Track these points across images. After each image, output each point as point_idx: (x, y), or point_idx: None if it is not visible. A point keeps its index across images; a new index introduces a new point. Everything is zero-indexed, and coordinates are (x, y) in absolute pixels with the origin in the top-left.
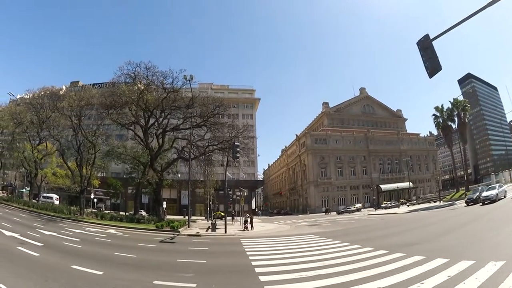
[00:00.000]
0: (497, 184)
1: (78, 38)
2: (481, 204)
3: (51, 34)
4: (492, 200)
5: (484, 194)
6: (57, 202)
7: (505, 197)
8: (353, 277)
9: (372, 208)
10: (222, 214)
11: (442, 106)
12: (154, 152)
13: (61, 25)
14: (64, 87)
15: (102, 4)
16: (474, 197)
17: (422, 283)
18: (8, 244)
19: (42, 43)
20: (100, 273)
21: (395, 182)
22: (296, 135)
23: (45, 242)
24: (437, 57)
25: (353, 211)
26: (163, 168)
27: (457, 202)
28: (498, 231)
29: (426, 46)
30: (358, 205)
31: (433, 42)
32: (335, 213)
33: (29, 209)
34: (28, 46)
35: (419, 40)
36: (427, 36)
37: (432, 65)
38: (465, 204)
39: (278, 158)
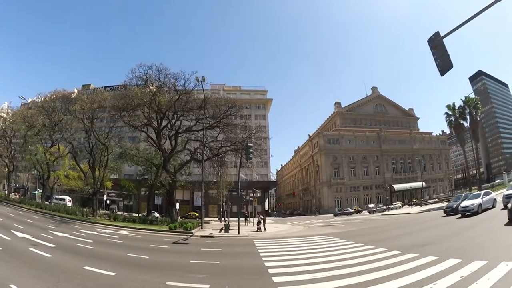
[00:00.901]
0: (483, 191)
1: (88, 42)
2: (459, 216)
3: (60, 38)
4: (473, 212)
5: (464, 204)
6: (69, 204)
7: (493, 207)
8: (367, 277)
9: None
10: (196, 214)
11: (453, 104)
12: (167, 154)
13: (70, 29)
14: (76, 90)
15: (111, 6)
16: (454, 206)
17: (435, 284)
18: (21, 245)
19: (53, 47)
20: (113, 274)
21: (408, 182)
22: (309, 135)
23: (57, 243)
24: (448, 55)
25: (351, 213)
26: (176, 169)
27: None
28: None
29: (437, 44)
30: (356, 207)
31: (444, 40)
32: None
33: (42, 210)
34: (39, 50)
35: (429, 38)
36: (437, 33)
37: (444, 63)
38: (444, 214)
39: (291, 159)
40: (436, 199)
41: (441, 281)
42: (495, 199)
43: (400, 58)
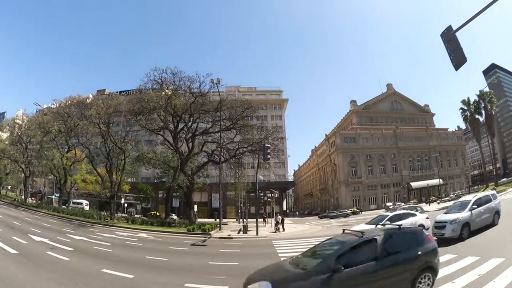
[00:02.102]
0: (474, 197)
1: (102, 48)
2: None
3: (73, 44)
4: (449, 239)
5: (439, 219)
6: (87, 208)
7: (494, 224)
8: None
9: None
10: (157, 213)
11: (468, 99)
12: (184, 156)
13: (83, 36)
14: (91, 96)
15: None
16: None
17: (453, 282)
18: (38, 249)
19: (67, 53)
20: (131, 276)
21: (425, 179)
22: (326, 134)
23: (75, 246)
24: (462, 49)
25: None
26: (194, 171)
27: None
28: None
29: (449, 38)
30: (352, 209)
31: (457, 33)
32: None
33: (59, 214)
34: (53, 57)
35: (442, 32)
36: (449, 27)
37: (457, 57)
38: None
39: (308, 159)
40: (454, 196)
41: (459, 280)
42: (497, 211)
43: (414, 54)
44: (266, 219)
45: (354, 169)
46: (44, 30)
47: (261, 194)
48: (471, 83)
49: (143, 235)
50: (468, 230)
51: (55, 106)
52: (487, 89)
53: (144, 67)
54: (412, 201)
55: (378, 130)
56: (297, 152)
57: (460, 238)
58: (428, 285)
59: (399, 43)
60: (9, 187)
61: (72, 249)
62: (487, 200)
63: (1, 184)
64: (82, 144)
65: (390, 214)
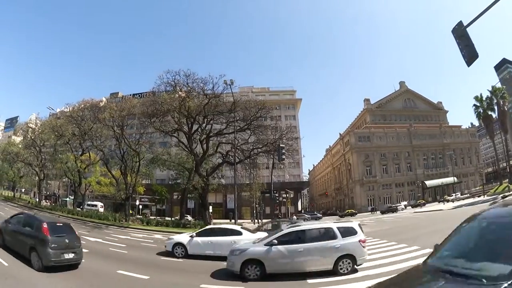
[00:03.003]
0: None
1: (114, 51)
2: None
3: (85, 48)
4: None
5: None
6: (101, 210)
7: None
8: None
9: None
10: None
11: (481, 95)
12: (198, 158)
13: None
14: (104, 99)
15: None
16: None
17: None
18: None
19: (79, 57)
20: (146, 277)
21: (439, 178)
22: (340, 134)
23: (90, 248)
24: (473, 44)
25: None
26: (209, 173)
27: (499, 196)
28: None
29: (461, 34)
30: (349, 210)
31: (468, 29)
32: (379, 212)
33: (73, 216)
34: (65, 61)
35: (453, 28)
36: (460, 23)
37: (469, 53)
38: None
39: (322, 158)
40: (468, 195)
41: None
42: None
43: (426, 50)
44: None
45: (369, 168)
46: (55, 36)
47: (276, 195)
48: (484, 78)
49: (158, 236)
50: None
51: (68, 110)
52: (499, 85)
53: (157, 69)
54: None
55: (392, 128)
56: (312, 152)
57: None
58: None
59: (411, 40)
60: (23, 190)
61: (87, 250)
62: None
63: (15, 187)
64: (96, 147)
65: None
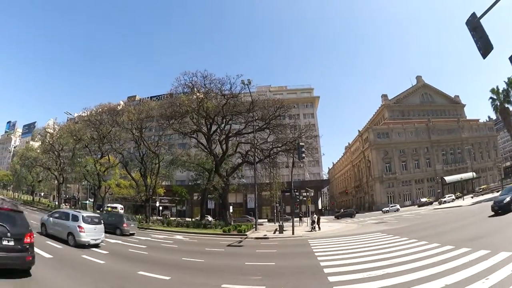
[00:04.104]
0: None
1: (130, 54)
2: None
3: (99, 53)
4: None
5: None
6: (122, 212)
7: None
8: (420, 274)
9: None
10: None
11: (497, 87)
12: (218, 158)
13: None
14: (121, 103)
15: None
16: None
17: (487, 279)
18: (72, 253)
19: (94, 62)
20: (167, 278)
21: (458, 173)
22: (359, 130)
23: (110, 249)
24: (487, 36)
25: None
26: (228, 173)
27: None
28: None
29: (474, 26)
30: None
31: (481, 20)
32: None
33: None
34: (81, 66)
35: (467, 20)
36: (474, 14)
37: (484, 45)
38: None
39: (342, 156)
40: (487, 190)
41: (493, 276)
42: None
43: (441, 43)
44: (302, 218)
45: (388, 165)
46: (69, 41)
47: (297, 193)
48: (500, 70)
49: (179, 237)
50: None
51: (86, 114)
52: None
53: (173, 72)
54: (449, 195)
55: (410, 123)
56: (331, 150)
57: None
58: None
59: (426, 33)
60: (42, 194)
61: (108, 252)
62: None
63: (34, 191)
64: (116, 150)
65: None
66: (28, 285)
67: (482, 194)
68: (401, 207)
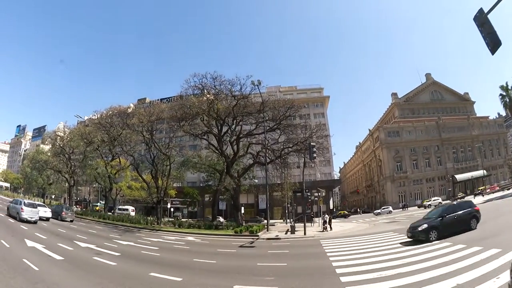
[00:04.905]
0: None
1: (141, 57)
2: None
3: (109, 56)
4: None
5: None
6: (133, 214)
7: None
8: (432, 274)
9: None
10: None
11: (506, 84)
12: (229, 159)
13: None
14: (131, 105)
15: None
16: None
17: (498, 278)
18: (84, 255)
19: (103, 66)
20: (179, 279)
21: (469, 171)
22: (369, 130)
23: (122, 251)
24: (495, 32)
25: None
26: (240, 174)
27: None
28: None
29: (482, 21)
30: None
31: (489, 16)
32: (414, 207)
33: (105, 221)
34: (93, 69)
35: (475, 16)
36: (481, 10)
37: (492, 41)
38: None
39: (353, 156)
40: (498, 188)
41: (504, 275)
42: None
43: (449, 39)
44: (313, 218)
45: (399, 163)
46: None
47: (308, 194)
48: (510, 66)
49: (190, 238)
50: None
51: (96, 117)
52: None
53: (183, 74)
54: (460, 194)
55: (421, 122)
56: (342, 149)
57: None
58: None
59: (433, 29)
60: (53, 197)
61: (119, 254)
62: None
63: (45, 194)
64: (127, 152)
65: None
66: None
67: (493, 192)
68: (411, 206)
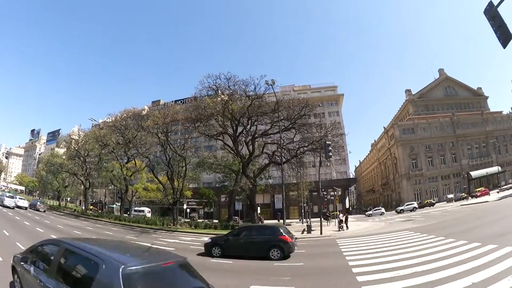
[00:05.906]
0: None
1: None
2: None
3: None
4: None
5: None
6: (149, 215)
7: None
8: (448, 272)
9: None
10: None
11: None
12: (245, 159)
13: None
14: (146, 107)
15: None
16: None
17: None
18: None
19: (118, 70)
20: None
21: (484, 167)
22: (384, 127)
23: None
24: (506, 25)
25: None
26: (256, 174)
27: None
28: None
29: (493, 15)
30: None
31: (499, 9)
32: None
33: (121, 223)
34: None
35: (485, 9)
36: (491, 3)
37: (503, 34)
38: None
39: (368, 154)
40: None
41: None
42: None
43: (460, 33)
44: (329, 218)
45: (415, 161)
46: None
47: (324, 193)
48: None
49: (206, 239)
50: None
51: (111, 120)
52: None
53: (197, 75)
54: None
55: (435, 118)
56: (357, 148)
57: None
58: None
59: (445, 24)
60: (68, 199)
61: None
62: None
63: (60, 197)
64: (142, 154)
65: None
66: None
67: (508, 189)
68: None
